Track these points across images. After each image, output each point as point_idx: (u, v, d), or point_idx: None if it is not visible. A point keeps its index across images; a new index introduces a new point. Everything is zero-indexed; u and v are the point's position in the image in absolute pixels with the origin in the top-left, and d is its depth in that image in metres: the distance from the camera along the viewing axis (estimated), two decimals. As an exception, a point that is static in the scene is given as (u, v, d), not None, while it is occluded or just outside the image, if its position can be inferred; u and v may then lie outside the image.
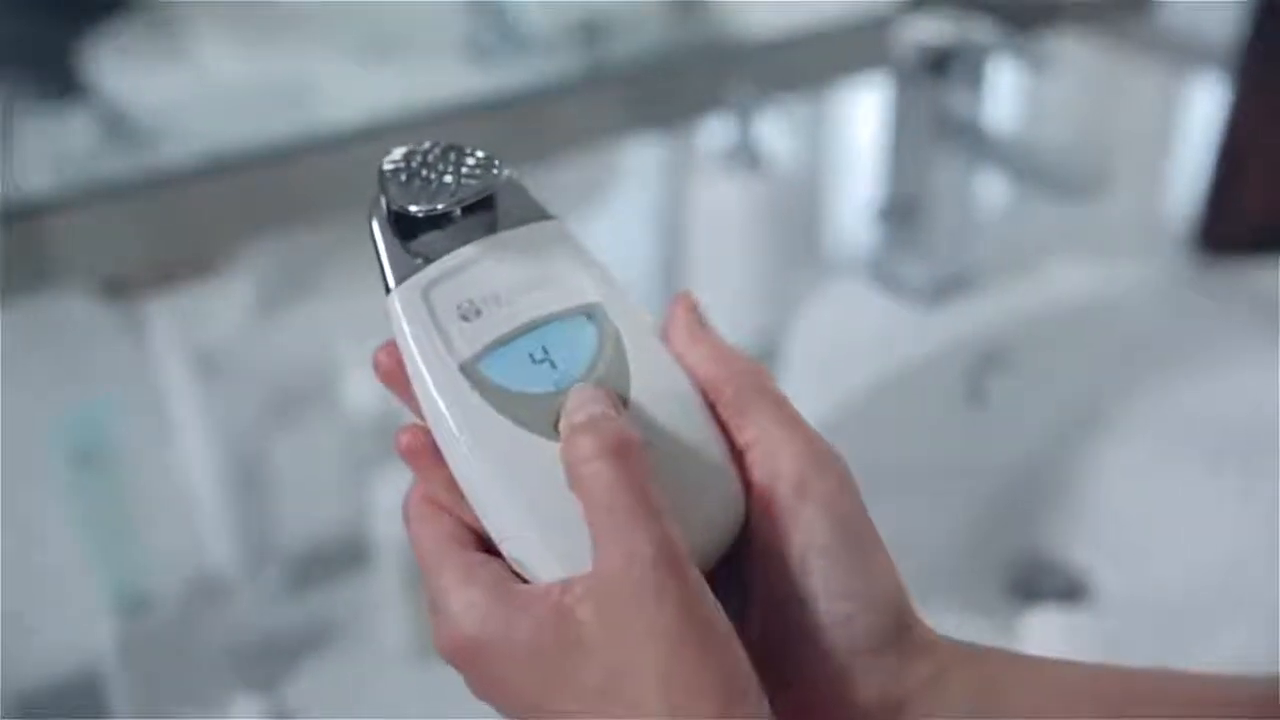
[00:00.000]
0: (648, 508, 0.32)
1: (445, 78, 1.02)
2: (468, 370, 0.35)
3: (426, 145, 0.38)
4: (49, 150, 0.89)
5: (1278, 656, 0.74)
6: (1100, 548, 0.95)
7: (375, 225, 0.37)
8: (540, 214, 0.38)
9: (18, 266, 0.80)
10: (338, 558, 0.88)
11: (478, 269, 0.37)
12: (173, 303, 0.86)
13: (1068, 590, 0.93)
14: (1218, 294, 1.05)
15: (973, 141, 0.96)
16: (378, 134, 0.92)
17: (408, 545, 0.79)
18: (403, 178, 0.37)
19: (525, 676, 0.33)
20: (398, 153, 0.38)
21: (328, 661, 0.82)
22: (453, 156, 0.37)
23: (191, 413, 0.84)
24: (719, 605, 0.32)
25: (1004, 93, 1.20)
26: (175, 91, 0.96)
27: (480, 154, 0.38)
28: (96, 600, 0.75)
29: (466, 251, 0.37)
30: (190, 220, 0.88)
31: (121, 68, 0.93)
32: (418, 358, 0.36)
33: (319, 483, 0.92)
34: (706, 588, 0.32)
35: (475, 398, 0.35)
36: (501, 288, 0.36)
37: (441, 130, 0.95)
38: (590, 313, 0.36)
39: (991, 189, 1.16)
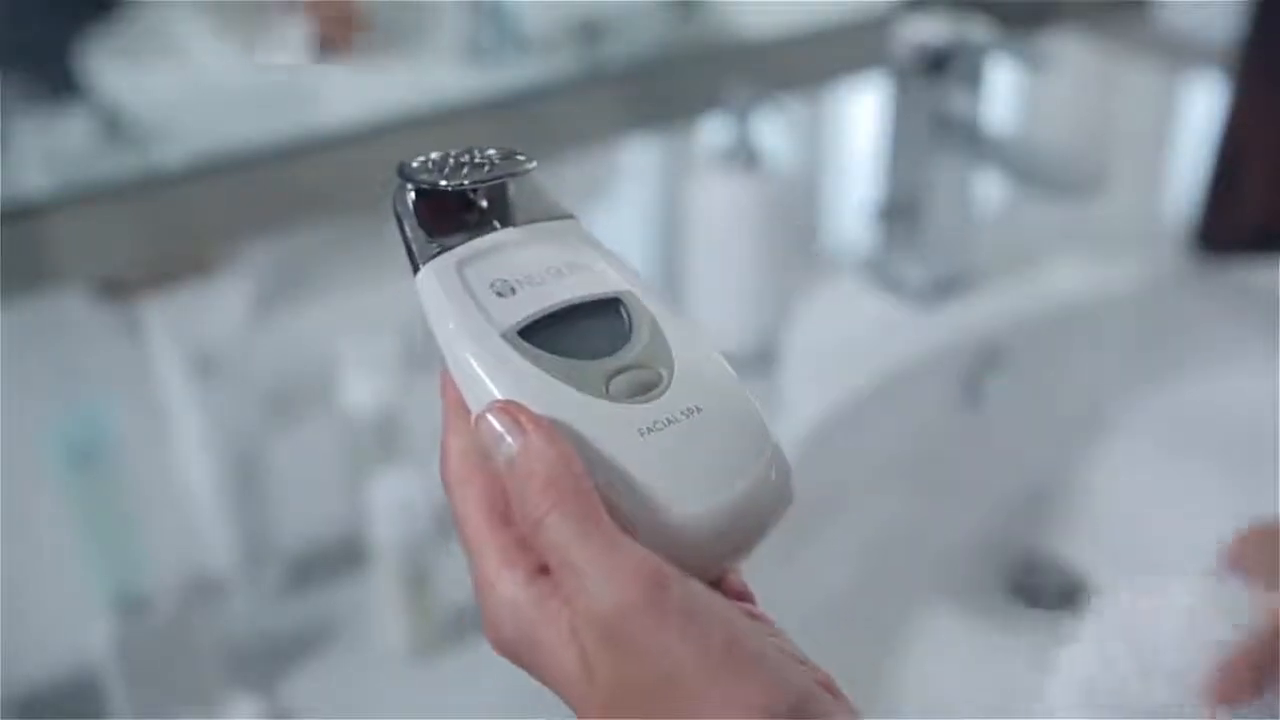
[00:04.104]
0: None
1: (445, 78, 1.02)
2: (510, 339, 0.34)
3: (450, 150, 0.38)
4: (47, 150, 0.89)
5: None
6: (1099, 548, 0.95)
7: (399, 211, 0.37)
8: (560, 213, 0.39)
9: (16, 266, 0.80)
10: (336, 557, 0.88)
11: (507, 253, 0.37)
12: (171, 302, 0.86)
13: (1067, 590, 0.93)
14: (1217, 294, 1.05)
15: (971, 141, 0.96)
16: (377, 134, 0.92)
17: (406, 545, 0.79)
18: (429, 165, 0.37)
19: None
20: (421, 155, 0.38)
21: (326, 661, 0.81)
22: (476, 151, 0.38)
23: (190, 412, 0.84)
24: (733, 615, 0.31)
25: (1002, 92, 1.20)
26: (174, 91, 0.96)
27: (504, 147, 0.38)
28: (94, 600, 0.75)
29: (494, 237, 0.37)
30: (188, 220, 0.88)
31: (120, 67, 0.93)
32: (456, 327, 0.35)
33: (317, 482, 0.92)
34: (714, 601, 0.31)
35: (523, 363, 0.34)
36: (534, 270, 0.36)
37: (441, 130, 0.95)
38: (623, 298, 0.36)
39: (990, 189, 1.16)
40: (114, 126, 0.91)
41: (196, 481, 0.86)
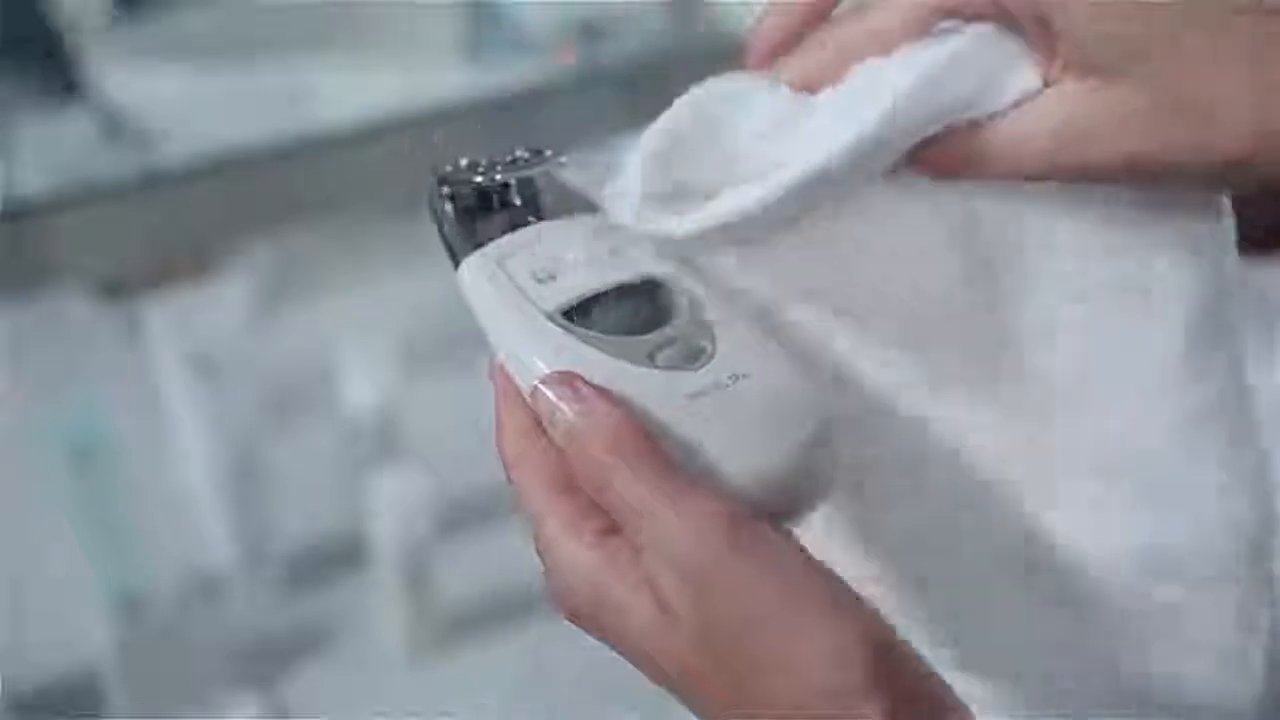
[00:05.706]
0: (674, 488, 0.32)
1: (444, 78, 1.02)
2: (554, 319, 0.36)
3: (479, 157, 0.40)
4: (47, 150, 0.89)
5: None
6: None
7: (437, 212, 0.39)
8: (593, 206, 0.40)
9: (16, 266, 0.80)
10: (335, 557, 0.88)
11: (544, 244, 0.38)
12: (171, 302, 0.86)
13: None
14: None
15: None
16: (376, 134, 0.91)
17: (406, 545, 0.80)
18: (462, 164, 0.39)
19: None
20: (450, 162, 0.40)
21: (325, 661, 0.82)
22: (505, 154, 0.40)
23: (189, 412, 0.84)
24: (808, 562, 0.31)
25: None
26: (174, 91, 0.96)
27: (532, 147, 0.40)
28: (94, 599, 0.75)
29: (528, 231, 0.39)
30: (188, 220, 0.87)
31: (120, 68, 0.93)
32: (502, 312, 0.36)
33: (317, 482, 0.92)
34: (788, 541, 0.32)
35: (569, 339, 0.35)
36: (570, 258, 0.38)
37: (440, 130, 0.95)
38: (662, 280, 0.38)
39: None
40: (114, 127, 0.91)
41: (195, 481, 0.86)
